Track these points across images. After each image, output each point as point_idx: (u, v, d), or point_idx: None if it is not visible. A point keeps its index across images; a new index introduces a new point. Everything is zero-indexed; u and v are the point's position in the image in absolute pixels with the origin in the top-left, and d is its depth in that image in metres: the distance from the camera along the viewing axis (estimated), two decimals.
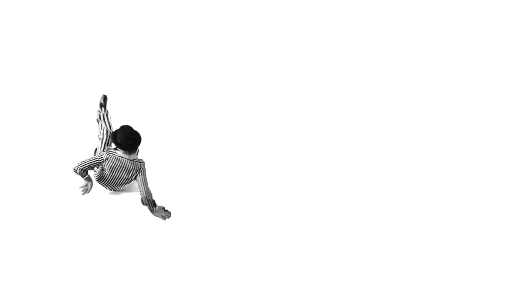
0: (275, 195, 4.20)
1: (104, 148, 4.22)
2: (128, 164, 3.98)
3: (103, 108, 4.49)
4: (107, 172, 4.04)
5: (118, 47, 5.78)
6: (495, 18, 5.95)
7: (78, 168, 3.98)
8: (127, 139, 3.92)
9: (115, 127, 4.29)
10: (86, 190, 4.07)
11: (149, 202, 3.97)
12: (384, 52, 5.75)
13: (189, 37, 5.93)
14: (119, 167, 4.00)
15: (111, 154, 4.00)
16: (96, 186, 4.18)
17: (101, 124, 4.35)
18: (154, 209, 3.98)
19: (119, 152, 3.98)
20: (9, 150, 4.55)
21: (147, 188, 3.97)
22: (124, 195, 4.19)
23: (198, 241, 3.82)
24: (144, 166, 3.98)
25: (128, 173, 4.00)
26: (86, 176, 4.05)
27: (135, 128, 4.05)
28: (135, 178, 4.01)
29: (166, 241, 3.81)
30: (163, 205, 4.06)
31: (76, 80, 5.39)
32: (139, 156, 4.19)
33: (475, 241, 3.78)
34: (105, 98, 4.55)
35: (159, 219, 3.95)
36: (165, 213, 4.04)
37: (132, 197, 4.17)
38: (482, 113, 4.99)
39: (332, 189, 4.24)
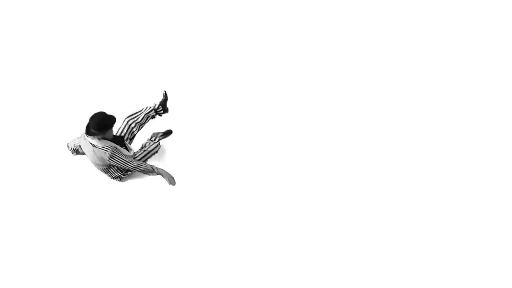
0: (277, 192, 4.20)
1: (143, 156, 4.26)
2: (95, 151, 3.86)
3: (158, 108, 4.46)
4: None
5: (121, 46, 5.78)
6: (495, 18, 5.94)
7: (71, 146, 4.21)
8: (89, 122, 3.84)
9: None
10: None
11: (147, 173, 4.02)
12: (384, 52, 5.75)
13: (193, 36, 5.93)
14: (88, 152, 3.93)
15: (82, 138, 3.96)
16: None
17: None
18: (156, 170, 4.01)
19: (88, 138, 3.87)
20: (9, 150, 4.55)
21: (134, 166, 3.93)
22: (126, 193, 4.18)
23: (201, 238, 3.82)
24: (109, 153, 3.84)
25: (100, 160, 3.89)
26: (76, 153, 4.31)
27: (110, 113, 3.94)
28: (110, 166, 3.98)
29: (167, 241, 3.80)
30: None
31: (76, 80, 5.39)
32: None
33: (475, 240, 3.78)
34: (165, 99, 4.53)
35: (160, 223, 3.92)
36: (171, 178, 4.04)
37: (133, 195, 4.17)
38: (482, 113, 4.99)
39: (333, 187, 4.24)
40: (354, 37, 5.90)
